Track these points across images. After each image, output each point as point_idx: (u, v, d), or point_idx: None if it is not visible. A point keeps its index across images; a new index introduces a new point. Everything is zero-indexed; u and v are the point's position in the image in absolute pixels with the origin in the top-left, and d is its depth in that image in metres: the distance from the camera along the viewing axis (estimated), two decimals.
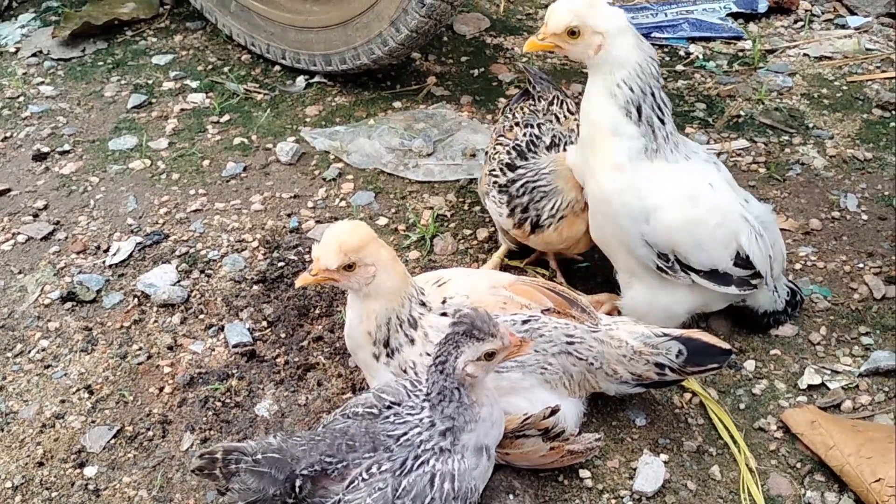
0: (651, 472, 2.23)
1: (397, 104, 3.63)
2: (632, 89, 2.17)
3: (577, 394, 2.25)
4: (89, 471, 2.30)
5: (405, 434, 1.93)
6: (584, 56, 2.17)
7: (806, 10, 4.23)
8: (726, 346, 2.24)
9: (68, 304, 2.76)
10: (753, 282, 2.38)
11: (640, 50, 2.17)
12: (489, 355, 1.89)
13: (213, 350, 2.60)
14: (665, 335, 2.22)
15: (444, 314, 2.18)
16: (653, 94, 2.18)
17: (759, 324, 2.57)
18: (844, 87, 3.68)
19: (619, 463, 2.27)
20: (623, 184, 2.22)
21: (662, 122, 2.21)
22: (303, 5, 3.68)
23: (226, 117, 3.57)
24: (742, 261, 2.31)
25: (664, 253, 2.28)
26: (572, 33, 2.15)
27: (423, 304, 2.19)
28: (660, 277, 2.33)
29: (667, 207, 2.21)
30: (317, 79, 3.75)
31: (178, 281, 2.81)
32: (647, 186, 2.21)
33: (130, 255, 2.92)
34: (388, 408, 1.98)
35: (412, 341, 2.15)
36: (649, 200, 2.21)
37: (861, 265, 2.83)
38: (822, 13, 4.24)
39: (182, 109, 3.63)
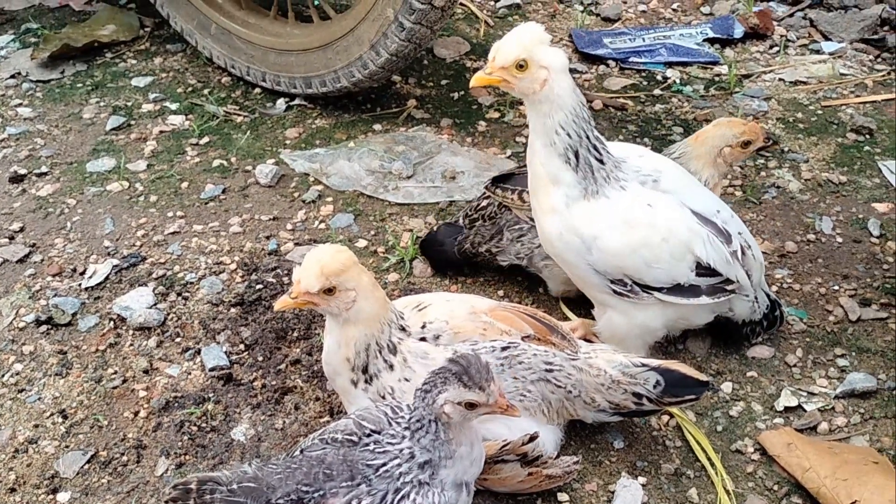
0: (629, 495, 2.23)
1: (377, 127, 3.64)
2: (569, 135, 2.24)
3: (556, 421, 2.25)
4: (62, 497, 2.27)
5: (385, 465, 1.90)
6: (529, 90, 2.22)
7: (781, 36, 4.29)
8: (704, 377, 2.25)
9: (43, 328, 2.73)
10: (728, 287, 2.40)
11: (576, 94, 2.24)
12: (470, 405, 1.87)
13: (190, 374, 2.58)
14: (643, 365, 2.22)
15: (423, 339, 2.18)
16: (587, 137, 2.26)
17: (739, 334, 2.59)
18: (819, 112, 3.73)
19: (597, 486, 2.27)
20: (561, 226, 2.31)
21: (601, 161, 2.29)
22: (283, 28, 3.69)
23: (205, 139, 3.57)
24: (705, 269, 2.34)
25: (618, 279, 2.33)
26: (520, 67, 2.19)
27: (402, 329, 2.18)
28: (628, 300, 2.35)
29: (605, 235, 2.28)
30: (297, 101, 3.76)
31: (155, 304, 2.79)
32: (583, 222, 2.29)
33: (107, 278, 2.89)
34: (368, 435, 1.96)
35: (391, 367, 2.15)
36: (587, 232, 2.28)
37: (836, 287, 2.85)
38: (797, 39, 4.30)
39: (161, 131, 3.62)
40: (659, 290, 2.34)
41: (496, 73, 2.22)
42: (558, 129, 2.23)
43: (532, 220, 2.58)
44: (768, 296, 2.59)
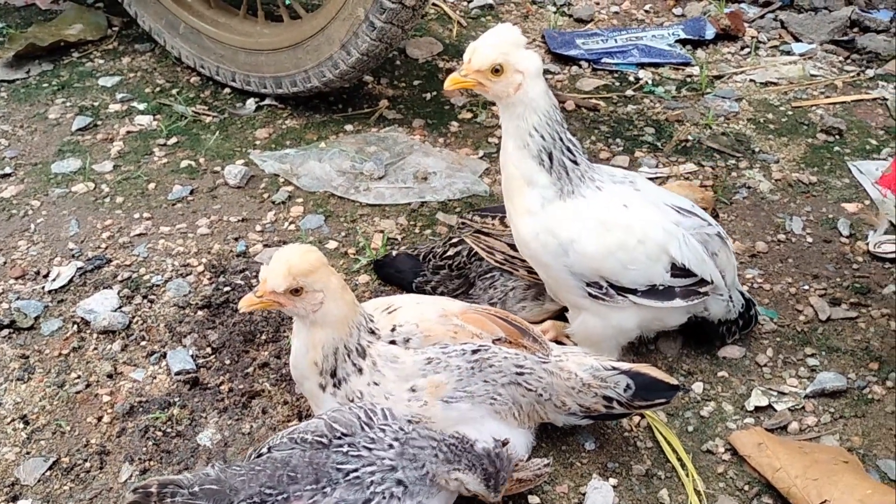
0: (600, 496, 2.21)
1: (349, 127, 3.61)
2: (543, 137, 2.23)
3: (527, 424, 2.24)
4: None
5: (356, 470, 1.87)
6: (504, 94, 2.21)
7: (752, 37, 4.31)
8: (674, 381, 2.25)
9: (5, 332, 2.67)
10: (702, 290, 2.40)
11: (549, 97, 2.24)
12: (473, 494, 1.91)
13: (155, 378, 2.53)
14: (614, 369, 2.21)
15: (392, 342, 2.15)
16: (560, 139, 2.25)
17: (715, 333, 2.59)
18: (790, 113, 3.75)
19: (568, 488, 2.25)
20: (537, 227, 2.29)
21: (575, 162, 2.28)
22: (253, 28, 3.65)
23: (173, 140, 3.52)
24: (680, 270, 2.34)
25: (593, 281, 2.32)
26: (496, 71, 2.18)
27: (371, 332, 2.15)
28: (603, 303, 2.35)
29: (583, 237, 2.27)
30: (267, 101, 3.72)
31: (120, 307, 2.73)
32: (559, 224, 2.28)
33: (71, 281, 2.84)
34: (339, 438, 1.92)
35: (360, 371, 2.11)
36: (564, 235, 2.27)
37: (806, 287, 2.86)
38: (768, 40, 4.33)
39: (128, 132, 3.56)
40: (634, 292, 2.33)
41: (471, 75, 2.21)
42: (532, 132, 2.22)
43: (503, 263, 2.58)
44: (743, 295, 2.59)
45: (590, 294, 2.34)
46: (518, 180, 2.28)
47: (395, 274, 2.81)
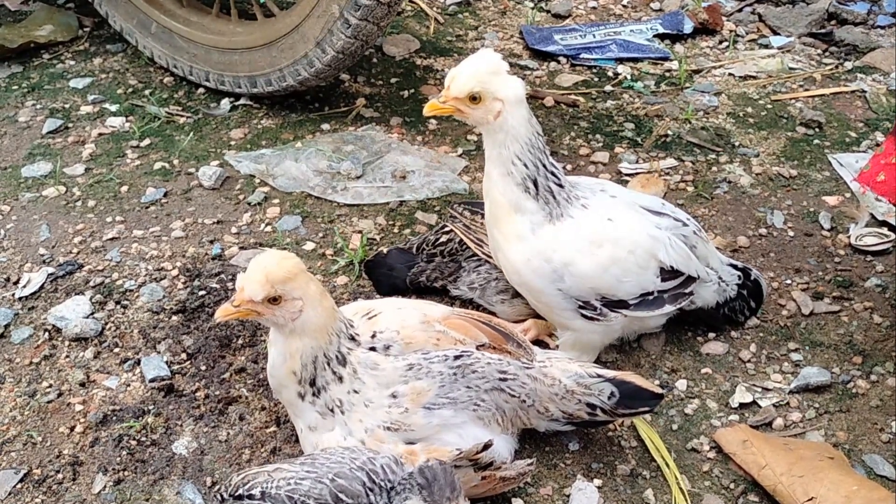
0: (584, 498, 2.19)
1: (325, 126, 3.56)
2: (526, 165, 2.22)
3: (510, 430, 2.20)
4: None
5: None
6: (483, 121, 2.20)
7: (730, 31, 4.30)
8: (658, 389, 2.23)
9: None
10: (687, 290, 2.39)
11: (531, 125, 2.22)
12: None
13: (129, 385, 2.47)
14: (598, 376, 2.18)
15: (372, 349, 2.11)
16: (544, 165, 2.24)
17: (720, 320, 2.59)
18: (769, 106, 3.73)
19: (552, 490, 2.22)
20: (528, 252, 2.27)
21: (560, 185, 2.27)
22: (226, 26, 3.59)
23: (146, 141, 3.45)
24: (669, 272, 2.34)
25: (586, 302, 2.31)
26: (474, 99, 2.17)
27: (352, 338, 2.10)
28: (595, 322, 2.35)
29: (577, 259, 2.26)
30: (242, 101, 3.66)
31: (92, 313, 2.67)
32: (551, 248, 2.26)
33: (42, 287, 2.77)
34: None
35: (340, 379, 2.07)
36: (557, 259, 2.26)
37: (788, 281, 2.84)
38: (746, 34, 4.31)
39: (100, 134, 3.49)
40: (626, 306, 2.34)
41: (450, 102, 2.20)
42: (514, 160, 2.21)
43: (490, 257, 2.53)
44: (735, 266, 2.57)
45: (583, 315, 2.33)
46: (505, 207, 2.27)
47: (387, 273, 2.75)
